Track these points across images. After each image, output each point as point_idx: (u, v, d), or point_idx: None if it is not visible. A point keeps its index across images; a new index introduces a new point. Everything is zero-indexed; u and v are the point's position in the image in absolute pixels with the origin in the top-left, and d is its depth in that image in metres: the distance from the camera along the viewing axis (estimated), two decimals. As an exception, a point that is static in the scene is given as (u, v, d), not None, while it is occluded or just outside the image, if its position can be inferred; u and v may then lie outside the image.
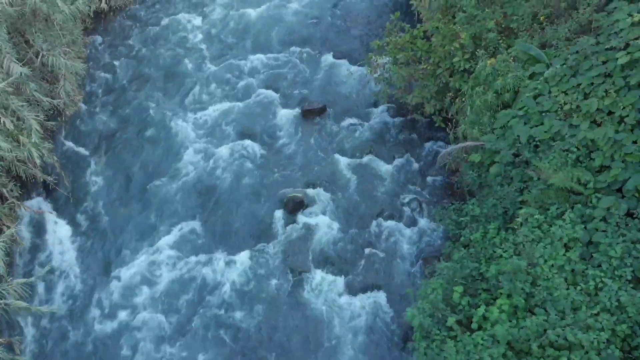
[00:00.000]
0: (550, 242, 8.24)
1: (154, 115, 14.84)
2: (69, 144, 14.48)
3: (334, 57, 15.81)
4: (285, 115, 14.51)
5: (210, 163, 13.52)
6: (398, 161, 13.10)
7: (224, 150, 13.71)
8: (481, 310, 7.92)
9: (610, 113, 8.91)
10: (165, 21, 17.76)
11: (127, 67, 16.47)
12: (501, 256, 8.64)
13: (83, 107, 15.26)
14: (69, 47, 15.05)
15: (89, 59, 16.68)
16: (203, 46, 16.84)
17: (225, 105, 14.95)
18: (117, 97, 15.58)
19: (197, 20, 17.67)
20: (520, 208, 9.23)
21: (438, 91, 12.71)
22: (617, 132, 8.55)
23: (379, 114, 14.16)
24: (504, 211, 9.58)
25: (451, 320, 8.00)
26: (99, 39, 17.48)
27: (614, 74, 9.04)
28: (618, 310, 7.37)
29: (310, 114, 14.34)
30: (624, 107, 8.64)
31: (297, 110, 14.53)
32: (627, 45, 9.21)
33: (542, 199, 8.92)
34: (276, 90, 15.13)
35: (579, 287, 7.75)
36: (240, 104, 14.90)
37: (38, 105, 13.56)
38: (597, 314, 7.42)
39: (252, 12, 17.52)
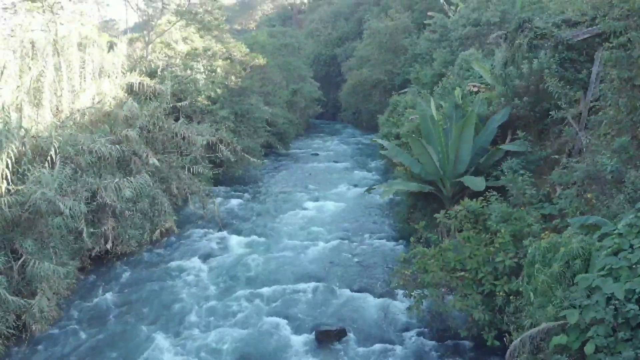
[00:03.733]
0: None
1: (137, 343, 12.17)
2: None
3: (352, 290, 14.19)
4: (296, 341, 11.90)
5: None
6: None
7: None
8: None
9: None
10: (171, 264, 16.71)
11: (116, 300, 14.51)
12: None
13: (55, 327, 12.67)
14: (58, 264, 13.57)
15: (77, 291, 14.90)
16: (207, 284, 15.27)
17: (224, 333, 12.42)
18: (96, 324, 13.12)
19: (206, 264, 16.63)
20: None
21: (483, 300, 10.81)
22: None
23: (413, 338, 11.61)
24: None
25: None
26: (93, 276, 16.10)
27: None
28: None
29: (326, 337, 11.77)
30: None
31: (310, 335, 12.00)
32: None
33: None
34: (285, 318, 12.86)
35: None
36: (242, 332, 12.41)
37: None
38: None
39: (267, 257, 16.71)
